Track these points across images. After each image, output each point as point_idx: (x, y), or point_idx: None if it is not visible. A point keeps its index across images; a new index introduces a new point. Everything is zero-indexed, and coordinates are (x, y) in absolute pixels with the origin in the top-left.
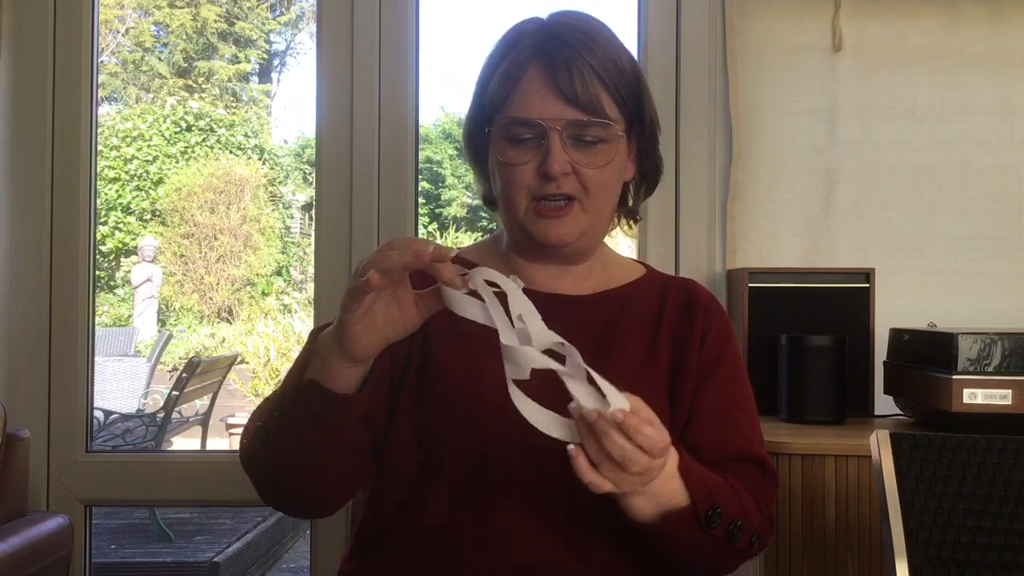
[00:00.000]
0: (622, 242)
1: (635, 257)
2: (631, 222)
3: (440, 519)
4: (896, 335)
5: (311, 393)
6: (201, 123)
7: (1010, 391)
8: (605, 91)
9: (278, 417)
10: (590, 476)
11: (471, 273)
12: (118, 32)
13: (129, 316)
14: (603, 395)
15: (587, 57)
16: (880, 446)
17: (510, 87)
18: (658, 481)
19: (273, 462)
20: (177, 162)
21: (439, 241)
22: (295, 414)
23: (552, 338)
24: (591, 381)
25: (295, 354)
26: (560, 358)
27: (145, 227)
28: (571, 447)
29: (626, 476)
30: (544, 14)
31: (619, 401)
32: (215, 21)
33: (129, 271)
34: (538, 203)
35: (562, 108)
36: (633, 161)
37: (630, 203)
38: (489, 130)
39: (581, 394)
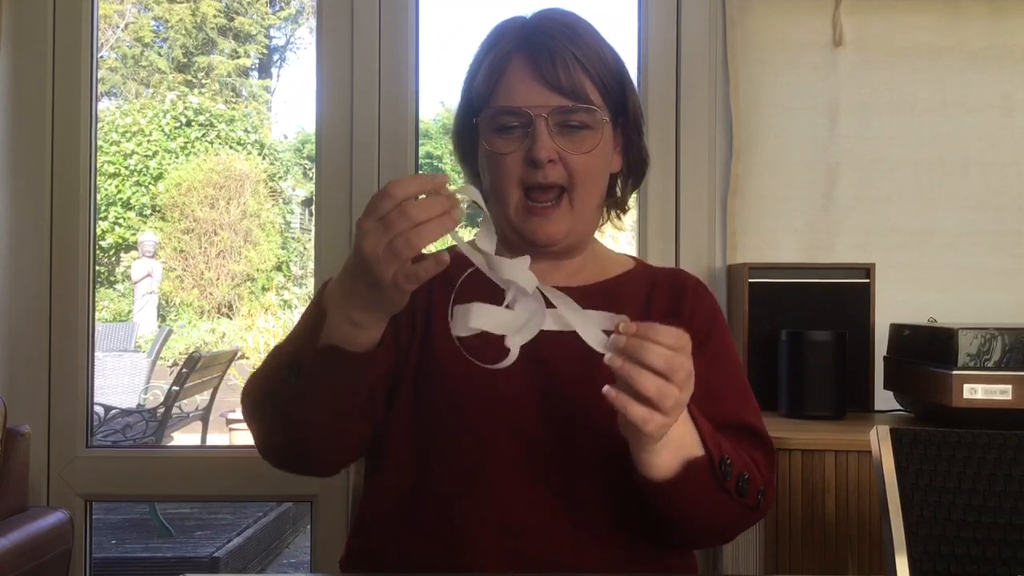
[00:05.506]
0: (622, 238)
1: (635, 253)
2: (619, 214)
3: (439, 500)
4: (896, 330)
5: (333, 358)
6: (201, 118)
7: (1010, 386)
8: (588, 79)
9: (296, 384)
10: (634, 409)
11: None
12: (118, 27)
13: (129, 311)
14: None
15: (570, 47)
16: (880, 441)
17: (495, 79)
18: (678, 426)
19: (284, 424)
20: (177, 157)
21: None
22: (315, 378)
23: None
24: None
25: None
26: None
27: (145, 222)
28: (606, 388)
29: (671, 387)
30: (528, 13)
31: (609, 320)
32: (215, 16)
33: (129, 266)
34: (528, 200)
35: (547, 95)
36: (619, 153)
37: (618, 195)
38: (476, 122)
39: (588, 334)
